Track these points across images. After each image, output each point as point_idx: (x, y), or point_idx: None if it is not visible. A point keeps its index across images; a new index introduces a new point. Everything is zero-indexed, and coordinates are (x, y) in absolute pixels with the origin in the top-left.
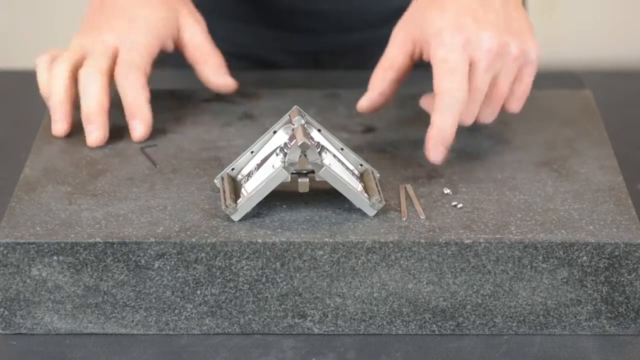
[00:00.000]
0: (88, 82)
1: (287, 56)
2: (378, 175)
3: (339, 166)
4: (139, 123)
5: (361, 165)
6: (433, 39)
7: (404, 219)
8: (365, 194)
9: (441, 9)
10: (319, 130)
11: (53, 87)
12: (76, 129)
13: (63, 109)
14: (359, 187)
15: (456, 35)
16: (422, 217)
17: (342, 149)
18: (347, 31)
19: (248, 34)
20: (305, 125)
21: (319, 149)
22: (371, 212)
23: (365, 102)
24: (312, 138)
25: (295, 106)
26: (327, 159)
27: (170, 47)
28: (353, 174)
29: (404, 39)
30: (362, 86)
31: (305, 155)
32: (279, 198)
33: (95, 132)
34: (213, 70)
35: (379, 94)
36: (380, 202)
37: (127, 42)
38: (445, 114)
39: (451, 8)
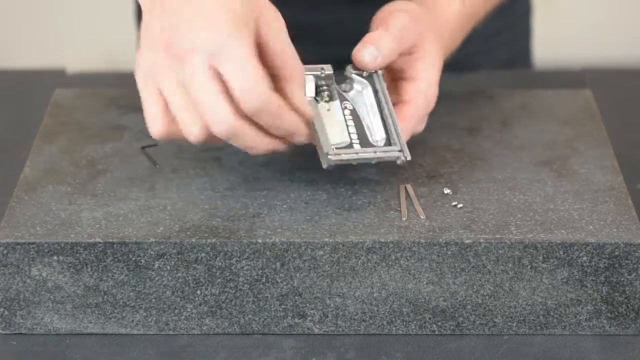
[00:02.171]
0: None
1: None
2: (404, 159)
3: (343, 117)
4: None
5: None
6: (423, 76)
7: (404, 219)
8: (327, 143)
9: (439, 45)
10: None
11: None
12: (77, 129)
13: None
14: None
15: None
16: (422, 217)
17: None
18: (353, 44)
19: None
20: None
21: (328, 91)
22: (324, 164)
23: (370, 63)
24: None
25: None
26: (332, 105)
27: None
28: (365, 136)
29: (411, 38)
30: None
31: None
32: (278, 198)
33: (302, 139)
34: (298, 90)
35: (385, 64)
36: (334, 155)
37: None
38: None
39: (440, 53)
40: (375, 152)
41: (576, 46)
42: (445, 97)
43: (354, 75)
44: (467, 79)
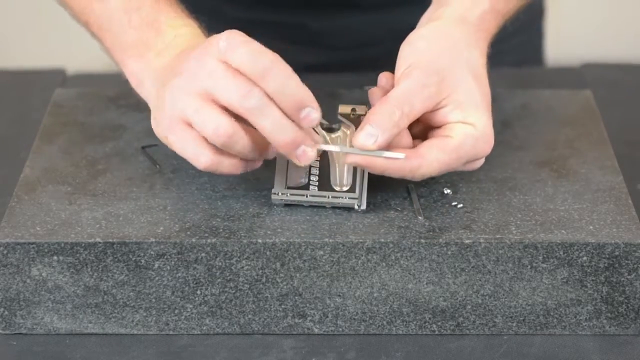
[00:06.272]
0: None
1: (295, 67)
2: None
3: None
4: (312, 110)
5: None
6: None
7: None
8: (280, 183)
9: (472, 74)
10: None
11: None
12: (77, 129)
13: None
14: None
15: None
16: (420, 217)
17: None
18: (358, 47)
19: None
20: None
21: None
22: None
23: (370, 145)
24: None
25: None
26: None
27: None
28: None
29: (427, 95)
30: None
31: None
32: None
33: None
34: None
35: (392, 138)
36: (277, 195)
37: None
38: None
39: (479, 80)
40: (328, 197)
41: (576, 46)
42: None
43: (340, 117)
44: None
